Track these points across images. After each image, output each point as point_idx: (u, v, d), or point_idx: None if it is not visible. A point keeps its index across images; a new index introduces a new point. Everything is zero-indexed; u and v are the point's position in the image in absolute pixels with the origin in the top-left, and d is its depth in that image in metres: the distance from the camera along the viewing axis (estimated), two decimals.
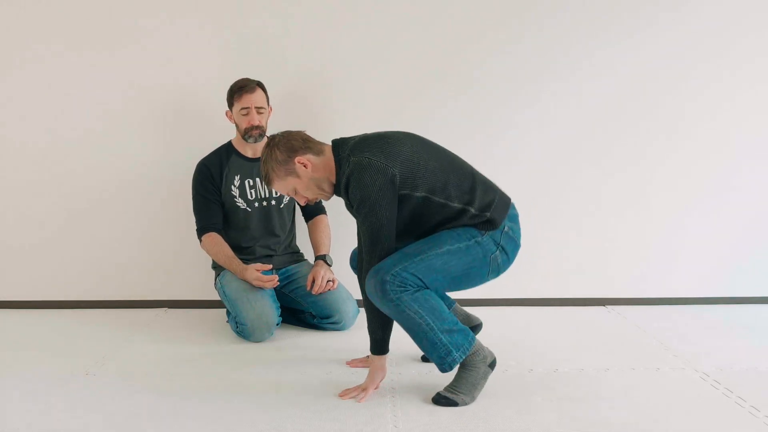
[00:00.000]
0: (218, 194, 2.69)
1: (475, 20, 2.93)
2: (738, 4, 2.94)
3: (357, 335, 2.62)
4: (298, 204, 2.54)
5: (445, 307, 1.92)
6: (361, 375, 2.16)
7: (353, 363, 2.28)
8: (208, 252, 2.71)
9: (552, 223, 3.04)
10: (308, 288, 2.60)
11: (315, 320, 2.71)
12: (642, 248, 3.07)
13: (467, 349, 1.91)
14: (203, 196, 2.69)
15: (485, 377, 1.96)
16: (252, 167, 2.71)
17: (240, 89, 2.61)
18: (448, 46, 2.94)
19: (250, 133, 2.63)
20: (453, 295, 2.29)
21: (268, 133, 2.76)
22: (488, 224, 1.95)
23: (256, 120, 2.62)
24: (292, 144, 1.98)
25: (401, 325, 1.91)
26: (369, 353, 2.30)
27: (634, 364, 2.29)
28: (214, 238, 2.67)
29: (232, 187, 2.69)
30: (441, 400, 1.94)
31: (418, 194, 1.91)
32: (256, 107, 2.61)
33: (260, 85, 2.66)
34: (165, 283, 3.07)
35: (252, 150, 2.72)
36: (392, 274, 1.85)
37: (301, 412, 1.89)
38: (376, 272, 1.87)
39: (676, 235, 3.07)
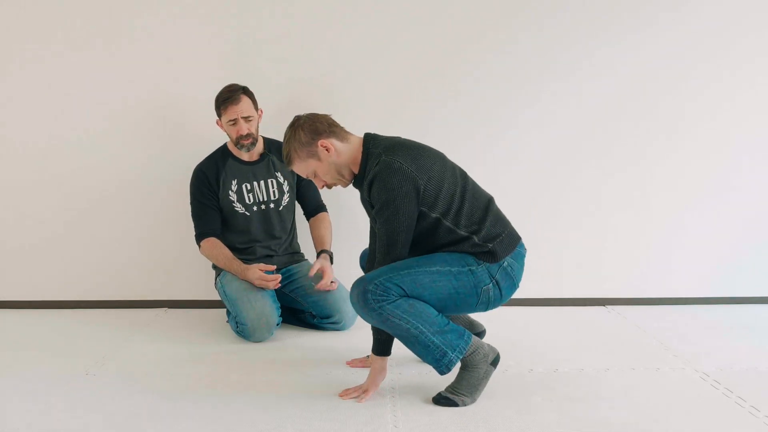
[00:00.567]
0: (216, 199, 2.68)
1: (475, 20, 2.93)
2: (738, 4, 2.94)
3: (357, 335, 2.62)
4: (317, 186, 2.34)
5: (432, 310, 1.89)
6: (361, 375, 2.16)
7: (353, 363, 2.28)
8: (207, 257, 2.71)
9: (552, 222, 3.04)
10: (311, 275, 2.55)
11: (315, 320, 2.71)
12: (642, 248, 3.07)
13: (464, 349, 1.90)
14: (201, 202, 2.68)
15: (487, 376, 1.96)
16: (249, 171, 2.70)
17: (225, 101, 2.57)
18: (448, 46, 2.94)
19: (240, 141, 2.61)
20: None
21: (264, 134, 2.77)
22: (488, 255, 1.93)
23: (245, 129, 2.59)
24: (317, 126, 1.97)
25: (391, 333, 1.90)
26: (369, 354, 2.31)
27: (634, 364, 2.29)
28: (212, 242, 2.67)
29: (230, 192, 2.68)
30: (441, 400, 1.93)
31: (433, 214, 1.91)
32: (243, 117, 2.57)
33: (245, 91, 2.61)
34: (165, 283, 3.07)
35: (248, 153, 2.70)
36: (375, 284, 1.84)
37: (301, 412, 1.89)
38: (360, 282, 1.87)
39: (676, 235, 3.07)
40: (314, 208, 2.82)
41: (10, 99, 2.96)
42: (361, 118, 2.93)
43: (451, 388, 1.95)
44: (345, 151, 1.98)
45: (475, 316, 2.38)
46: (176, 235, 2.96)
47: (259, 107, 2.67)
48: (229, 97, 2.57)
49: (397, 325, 1.85)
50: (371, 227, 2.09)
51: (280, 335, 2.64)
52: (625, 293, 3.09)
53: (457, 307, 1.95)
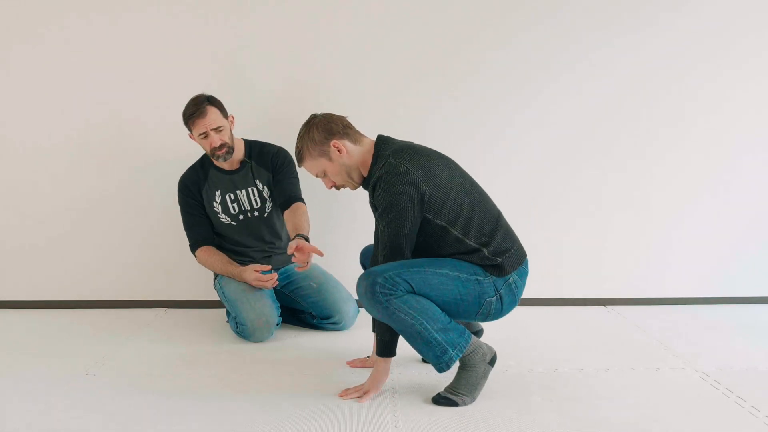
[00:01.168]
0: (203, 208, 2.68)
1: (474, 19, 2.92)
2: (737, 3, 2.94)
3: (357, 335, 2.62)
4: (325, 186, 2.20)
5: (437, 308, 1.89)
6: (361, 375, 2.16)
7: (353, 363, 2.28)
8: (204, 265, 2.71)
9: (552, 222, 3.04)
10: (288, 252, 2.22)
11: (315, 320, 2.71)
12: (642, 248, 3.08)
13: (463, 348, 1.90)
14: (189, 213, 2.68)
15: (485, 376, 1.96)
16: (232, 180, 2.66)
17: (191, 116, 2.49)
18: (447, 46, 2.94)
19: (215, 153, 2.55)
20: None
21: (243, 135, 2.74)
22: (496, 269, 1.93)
23: (217, 141, 2.52)
24: (332, 127, 1.98)
25: (394, 327, 1.90)
26: (369, 354, 2.31)
27: (634, 364, 2.29)
28: (207, 251, 2.67)
29: (214, 203, 2.67)
30: (441, 400, 1.94)
31: (438, 221, 1.91)
32: (212, 129, 2.50)
33: (211, 101, 2.52)
34: (165, 283, 3.07)
35: (228, 163, 2.65)
36: (384, 277, 1.83)
37: (301, 412, 1.89)
38: (368, 275, 1.86)
39: (676, 235, 3.07)
40: (286, 198, 2.60)
41: (10, 99, 2.96)
42: (358, 117, 2.92)
43: (451, 387, 1.95)
44: (356, 154, 1.99)
45: None
46: (176, 236, 2.95)
47: (229, 114, 2.61)
48: (195, 111, 2.49)
49: (402, 320, 1.85)
50: (377, 228, 2.08)
51: (280, 335, 2.64)
52: (625, 293, 3.09)
53: (458, 313, 1.95)
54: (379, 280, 1.83)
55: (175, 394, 2.02)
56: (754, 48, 2.97)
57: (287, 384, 2.11)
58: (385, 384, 2.02)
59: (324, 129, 1.97)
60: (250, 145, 2.72)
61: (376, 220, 1.97)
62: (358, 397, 1.97)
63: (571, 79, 2.97)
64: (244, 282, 2.59)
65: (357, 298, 2.67)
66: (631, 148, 3.02)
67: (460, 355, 1.91)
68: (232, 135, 2.61)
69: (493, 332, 2.44)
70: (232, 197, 2.67)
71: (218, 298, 2.84)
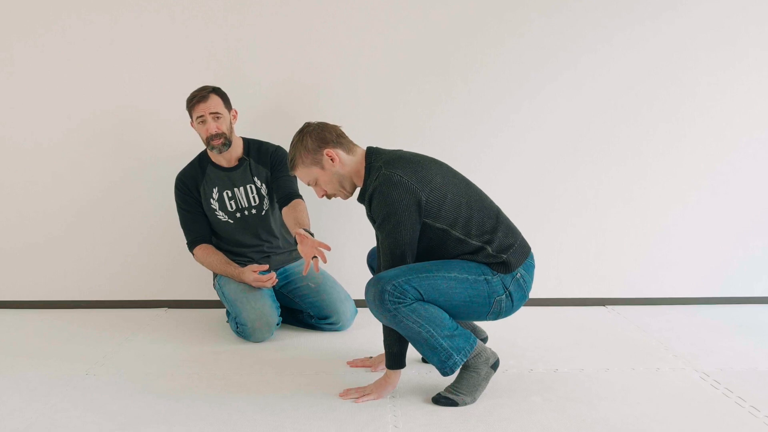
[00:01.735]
0: (200, 205, 2.68)
1: (470, 18, 2.92)
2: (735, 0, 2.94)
3: (358, 335, 2.62)
4: (317, 195, 2.19)
5: (445, 314, 1.90)
6: (361, 375, 2.16)
7: (354, 363, 2.28)
8: (202, 264, 2.71)
9: (551, 222, 3.04)
10: (305, 273, 2.19)
11: (313, 320, 2.71)
12: (642, 248, 3.07)
13: (468, 352, 1.91)
14: (186, 211, 2.68)
15: (487, 378, 1.96)
16: (230, 177, 2.66)
17: (192, 99, 2.54)
18: (446, 45, 2.94)
19: (211, 142, 2.56)
20: None
21: (244, 134, 2.75)
22: (502, 266, 1.93)
23: (214, 127, 2.53)
24: (325, 135, 1.98)
25: (401, 333, 1.91)
26: (371, 355, 2.32)
27: (634, 364, 2.29)
28: (205, 249, 2.67)
29: (211, 200, 2.67)
30: (441, 400, 1.94)
31: (438, 225, 1.90)
32: (211, 113, 2.52)
33: (216, 91, 2.56)
34: (165, 283, 3.07)
35: (226, 159, 2.65)
36: (393, 285, 1.83)
37: (301, 412, 1.89)
38: (377, 281, 1.86)
39: (676, 235, 3.07)
40: (286, 194, 2.58)
41: (9, 100, 2.96)
42: (356, 117, 2.93)
43: (452, 387, 1.95)
44: (349, 163, 1.99)
45: (479, 323, 2.38)
46: (176, 236, 2.95)
47: (233, 108, 2.63)
48: (197, 95, 2.54)
49: (410, 327, 1.86)
50: (378, 238, 2.07)
51: (280, 335, 2.64)
52: (625, 293, 3.09)
53: (469, 315, 1.95)
54: (388, 288, 1.83)
55: (175, 394, 2.03)
56: (753, 44, 2.97)
57: (287, 384, 2.11)
58: (389, 393, 2.00)
59: (317, 137, 1.97)
60: (248, 143, 2.72)
61: (376, 231, 1.96)
62: (357, 398, 1.97)
63: (568, 78, 2.97)
64: (244, 282, 2.59)
65: (356, 298, 2.70)
66: (630, 147, 3.02)
67: (465, 360, 1.91)
68: (231, 129, 2.61)
69: (494, 332, 2.44)
70: (230, 194, 2.67)
71: (218, 298, 2.84)
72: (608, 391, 2.05)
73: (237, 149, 2.67)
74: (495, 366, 1.98)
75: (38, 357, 2.38)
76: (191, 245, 2.70)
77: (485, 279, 1.91)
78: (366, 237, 2.50)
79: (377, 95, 2.96)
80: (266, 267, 2.60)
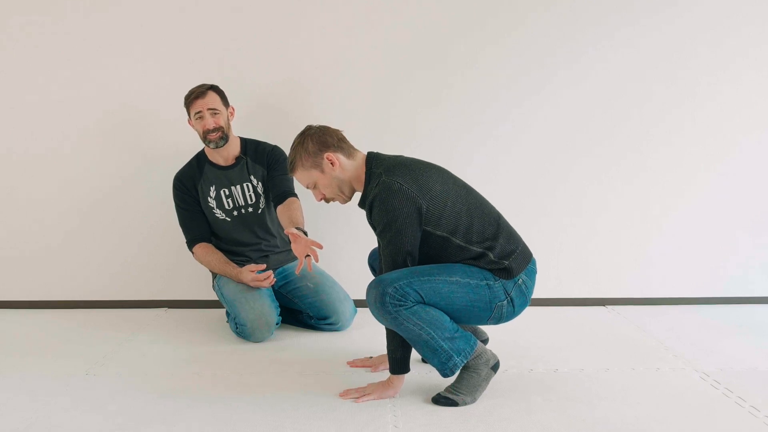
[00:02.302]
0: (198, 204, 2.69)
1: (465, 16, 2.92)
2: None
3: (358, 335, 2.62)
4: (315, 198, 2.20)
5: (446, 317, 1.90)
6: (361, 375, 2.16)
7: (354, 363, 2.28)
8: (201, 263, 2.71)
9: (551, 222, 3.04)
10: (297, 272, 2.28)
11: (312, 321, 2.71)
12: (642, 248, 3.07)
13: (469, 353, 1.91)
14: (185, 210, 2.69)
15: (487, 379, 1.96)
16: (226, 175, 2.67)
17: (190, 96, 2.58)
18: (446, 44, 2.94)
19: (208, 137, 2.58)
20: None
21: (241, 134, 2.75)
22: (504, 272, 1.93)
23: (211, 123, 2.56)
24: (326, 139, 1.97)
25: (402, 335, 1.91)
26: (371, 355, 2.32)
27: (634, 364, 2.29)
28: (204, 248, 2.68)
29: (209, 198, 2.68)
30: (441, 400, 1.94)
31: (438, 233, 1.90)
32: (208, 109, 2.55)
33: (213, 88, 2.60)
34: (165, 283, 3.07)
35: (223, 158, 2.67)
36: (395, 287, 1.83)
37: (301, 412, 1.89)
38: (378, 283, 1.86)
39: (677, 235, 3.07)
40: (281, 192, 2.61)
41: (10, 101, 2.96)
42: (353, 117, 2.93)
43: (452, 388, 1.95)
44: (349, 168, 1.98)
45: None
46: (176, 236, 2.95)
47: (230, 105, 2.66)
48: (195, 92, 2.58)
49: (410, 329, 1.86)
50: (380, 244, 2.06)
51: (280, 335, 2.64)
52: (625, 293, 3.09)
53: (470, 319, 1.96)
54: (390, 290, 1.83)
55: (175, 394, 2.03)
56: (752, 44, 2.96)
57: (287, 384, 2.11)
58: (390, 397, 1.99)
59: (318, 141, 1.97)
60: (246, 142, 2.73)
61: (378, 238, 1.95)
62: (357, 398, 1.97)
63: (567, 77, 2.96)
64: (242, 282, 2.59)
65: (355, 299, 2.70)
66: (629, 147, 3.02)
67: (465, 361, 1.91)
68: (229, 125, 2.64)
69: (494, 332, 2.44)
70: (227, 192, 2.67)
71: (218, 299, 2.84)
72: (608, 391, 2.05)
73: (234, 148, 2.68)
74: (495, 367, 1.98)
75: (38, 357, 2.38)
76: (190, 244, 2.70)
77: (487, 284, 1.91)
78: (365, 237, 2.50)
79: (375, 95, 2.96)
80: (263, 266, 2.60)
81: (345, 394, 1.99)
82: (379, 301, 1.84)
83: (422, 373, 2.18)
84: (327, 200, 2.06)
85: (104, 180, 3.01)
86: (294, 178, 2.12)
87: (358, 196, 2.06)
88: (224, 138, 2.60)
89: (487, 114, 2.98)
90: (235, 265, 2.63)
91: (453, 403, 1.92)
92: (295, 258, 2.79)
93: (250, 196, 2.68)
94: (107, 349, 2.47)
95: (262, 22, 2.91)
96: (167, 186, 2.82)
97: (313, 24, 2.91)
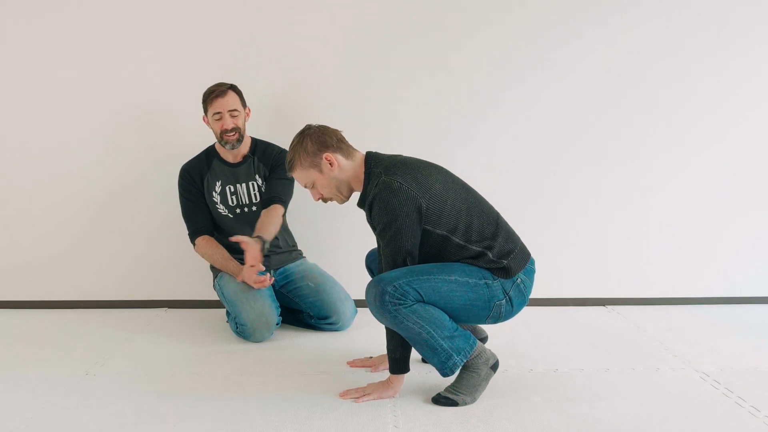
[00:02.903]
0: (203, 197, 2.70)
1: (460, 14, 2.92)
2: None
3: (358, 335, 2.62)
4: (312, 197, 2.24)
5: (445, 315, 1.90)
6: (361, 375, 2.16)
7: (354, 363, 2.28)
8: (202, 256, 2.71)
9: (551, 222, 3.04)
10: (233, 239, 2.41)
11: (313, 321, 2.71)
12: (642, 248, 3.07)
13: (468, 353, 1.91)
14: (189, 201, 2.69)
15: (487, 379, 1.96)
16: (233, 173, 2.69)
17: (211, 94, 2.58)
18: (445, 45, 2.94)
19: (225, 138, 2.59)
20: None
21: (252, 134, 2.76)
22: (502, 272, 1.93)
23: (230, 123, 2.57)
24: (326, 139, 1.97)
25: (401, 334, 1.91)
26: (371, 355, 2.32)
27: (634, 364, 2.29)
28: (207, 241, 2.68)
29: (214, 193, 2.68)
30: (441, 399, 1.94)
31: (438, 231, 1.90)
32: (228, 111, 2.57)
33: (233, 87, 2.61)
34: (165, 283, 3.07)
35: (233, 155, 2.69)
36: (394, 286, 1.83)
37: (301, 412, 1.89)
38: (378, 282, 1.86)
39: (676, 235, 3.07)
40: (268, 197, 2.64)
41: (11, 100, 2.96)
42: (351, 116, 2.93)
43: (452, 387, 1.95)
44: (348, 168, 1.98)
45: None
46: (176, 236, 2.95)
47: (247, 106, 2.67)
48: (215, 90, 2.58)
49: (410, 328, 1.86)
50: (379, 244, 2.06)
51: (280, 335, 2.64)
52: (625, 293, 3.09)
53: (468, 318, 1.96)
54: (389, 289, 1.83)
55: (175, 394, 2.02)
56: (756, 45, 2.96)
57: (287, 384, 2.11)
58: (390, 397, 1.99)
59: (317, 141, 1.97)
60: (256, 142, 2.75)
61: (377, 238, 1.95)
62: (357, 398, 1.97)
63: (570, 76, 2.97)
64: (242, 281, 2.59)
65: (355, 299, 2.70)
66: (629, 147, 3.02)
67: (465, 361, 1.91)
68: (245, 125, 2.66)
69: (494, 332, 2.44)
70: (232, 189, 2.68)
71: (218, 298, 2.84)
72: (608, 391, 2.05)
73: (245, 146, 2.70)
74: (495, 367, 1.98)
75: (38, 357, 2.38)
76: (192, 236, 2.70)
77: (486, 283, 1.91)
78: (365, 237, 2.49)
79: (374, 95, 2.96)
80: (262, 268, 2.60)
81: (345, 394, 1.99)
82: (378, 300, 1.84)
83: (422, 373, 2.18)
84: (325, 200, 2.06)
85: (104, 181, 3.01)
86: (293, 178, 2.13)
87: (355, 196, 2.06)
88: (240, 139, 2.62)
89: (488, 117, 2.99)
90: (237, 262, 2.63)
91: (453, 403, 1.92)
92: (296, 259, 2.81)
93: (254, 195, 2.69)
94: (107, 349, 2.47)
95: (262, 22, 2.91)
96: (169, 186, 2.82)
97: (319, 25, 2.91)
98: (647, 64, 2.97)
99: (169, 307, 3.06)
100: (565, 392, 2.03)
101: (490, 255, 1.92)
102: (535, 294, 3.00)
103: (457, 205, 1.93)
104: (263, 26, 2.91)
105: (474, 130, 2.99)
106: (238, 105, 2.61)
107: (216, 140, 2.69)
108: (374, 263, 2.27)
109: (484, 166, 2.97)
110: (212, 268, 2.77)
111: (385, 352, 2.25)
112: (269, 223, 2.53)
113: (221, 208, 2.69)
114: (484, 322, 1.98)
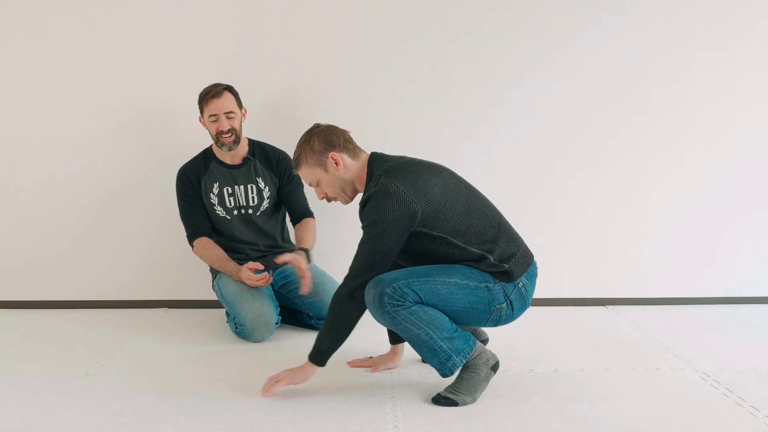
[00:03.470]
0: (201, 199, 2.69)
1: (459, 13, 2.92)
2: None
3: (357, 335, 2.60)
4: (316, 196, 2.25)
5: (444, 316, 1.90)
6: (361, 375, 2.17)
7: (354, 363, 2.28)
8: (201, 257, 2.71)
9: (551, 222, 3.04)
10: (277, 260, 2.36)
11: (312, 321, 2.71)
12: (642, 248, 3.07)
13: (468, 353, 1.91)
14: (187, 203, 2.69)
15: (487, 379, 1.96)
16: (231, 174, 2.68)
17: (206, 95, 2.57)
18: (445, 44, 2.94)
19: (221, 139, 2.58)
20: None
21: (249, 135, 2.75)
22: (504, 275, 1.93)
23: (226, 125, 2.56)
24: (333, 139, 1.98)
25: (400, 334, 1.91)
26: (371, 355, 2.32)
27: (634, 364, 2.29)
28: (205, 242, 2.67)
29: (211, 195, 2.68)
30: (441, 399, 1.94)
31: (436, 234, 1.90)
32: (224, 112, 2.56)
33: (229, 88, 2.60)
34: (165, 283, 3.07)
35: (230, 157, 2.68)
36: (393, 287, 1.84)
37: (301, 412, 1.89)
38: (377, 283, 1.86)
39: (676, 235, 3.07)
40: (300, 214, 2.75)
41: (11, 100, 2.96)
42: (350, 116, 2.93)
43: (452, 387, 1.95)
44: (353, 169, 1.99)
45: None
46: (176, 236, 2.95)
47: (243, 106, 2.66)
48: (211, 91, 2.57)
49: (409, 329, 1.86)
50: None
51: (280, 335, 2.64)
52: (624, 293, 3.09)
53: (468, 321, 1.95)
54: (388, 290, 1.83)
55: (175, 394, 2.02)
56: (754, 44, 2.96)
57: None
58: (384, 382, 2.00)
59: (325, 140, 1.97)
60: (253, 144, 2.74)
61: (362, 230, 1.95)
62: (268, 388, 1.95)
63: (570, 76, 2.97)
64: (241, 281, 2.59)
65: None
66: (630, 148, 3.02)
67: (464, 361, 1.91)
68: (241, 127, 2.65)
69: (493, 332, 2.43)
70: (230, 191, 2.68)
71: (218, 299, 2.84)
72: (608, 391, 2.05)
73: (242, 148, 2.69)
74: (495, 368, 1.98)
75: (38, 357, 2.38)
76: (191, 237, 2.70)
77: (486, 286, 1.91)
78: None
79: (374, 95, 2.96)
80: (262, 267, 2.60)
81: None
82: (377, 301, 1.84)
83: (422, 373, 2.18)
84: (329, 199, 2.07)
85: (104, 182, 3.01)
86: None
87: (359, 197, 2.06)
88: (237, 141, 2.61)
89: (488, 116, 2.98)
90: (235, 263, 2.63)
91: (453, 403, 1.92)
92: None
93: (252, 197, 2.68)
94: (107, 349, 2.47)
95: (262, 22, 2.91)
96: (168, 187, 2.82)
97: (313, 24, 2.91)
98: (647, 64, 2.97)
99: (169, 307, 3.06)
100: (565, 392, 2.03)
101: (491, 258, 1.92)
102: (535, 294, 3.01)
103: (457, 208, 1.92)
104: (263, 26, 2.91)
105: (474, 129, 2.99)
106: (234, 106, 2.60)
107: (214, 143, 2.68)
108: None
109: (484, 166, 2.97)
110: (211, 269, 2.76)
111: (385, 351, 2.26)
112: (308, 235, 2.65)
113: (219, 210, 2.68)
114: (484, 325, 1.98)
